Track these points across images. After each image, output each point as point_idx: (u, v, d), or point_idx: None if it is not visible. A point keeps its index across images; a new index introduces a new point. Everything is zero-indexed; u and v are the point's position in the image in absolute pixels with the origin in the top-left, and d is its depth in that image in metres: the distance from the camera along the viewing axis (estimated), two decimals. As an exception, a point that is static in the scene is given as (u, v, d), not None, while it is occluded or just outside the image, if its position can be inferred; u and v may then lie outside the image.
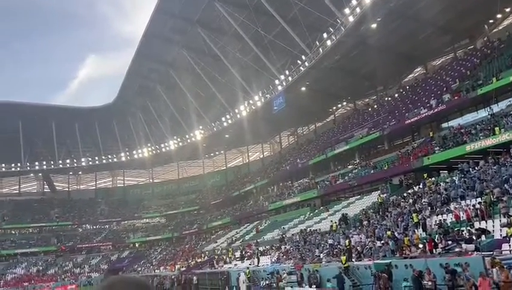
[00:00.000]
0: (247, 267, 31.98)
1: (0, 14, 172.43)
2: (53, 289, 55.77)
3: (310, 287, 23.36)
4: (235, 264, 38.28)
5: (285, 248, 34.88)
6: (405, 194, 30.02)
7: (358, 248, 25.16)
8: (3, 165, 75.85)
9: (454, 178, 26.79)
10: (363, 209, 33.90)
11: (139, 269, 60.79)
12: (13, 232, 75.66)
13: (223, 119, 62.17)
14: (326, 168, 50.24)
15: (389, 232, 23.92)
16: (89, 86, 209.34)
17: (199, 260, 48.84)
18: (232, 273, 33.04)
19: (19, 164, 75.75)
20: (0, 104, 68.84)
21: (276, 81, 49.38)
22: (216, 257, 45.30)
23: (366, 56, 42.13)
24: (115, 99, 72.10)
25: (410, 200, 27.63)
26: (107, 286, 1.04)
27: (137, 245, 76.23)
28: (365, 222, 29.44)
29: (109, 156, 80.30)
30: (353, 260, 23.58)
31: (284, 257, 32.57)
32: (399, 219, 25.59)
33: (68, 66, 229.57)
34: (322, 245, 29.85)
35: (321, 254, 28.06)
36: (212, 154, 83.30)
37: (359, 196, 39.50)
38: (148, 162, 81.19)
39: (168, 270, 51.24)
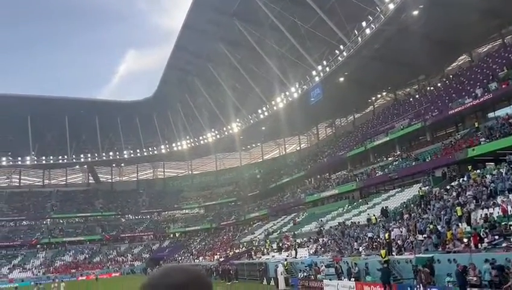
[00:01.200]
0: (285, 259, 32.05)
1: (48, 14, 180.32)
2: (97, 276, 58.12)
3: (349, 280, 23.14)
4: (273, 256, 38.48)
5: (323, 240, 34.65)
6: (448, 187, 28.99)
7: (398, 241, 24.63)
8: (51, 157, 79.77)
9: (501, 170, 25.57)
10: (404, 202, 33.09)
11: (179, 258, 62.34)
12: (61, 221, 79.52)
13: (260, 111, 62.27)
14: (366, 160, 49.34)
15: (431, 226, 23.22)
16: (129, 80, 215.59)
17: (237, 251, 49.48)
18: (270, 265, 33.25)
19: (65, 157, 79.52)
20: (48, 100, 72.33)
21: (313, 72, 48.81)
22: (254, 248, 45.71)
23: (408, 44, 40.74)
24: (155, 93, 73.76)
25: (454, 193, 26.65)
26: (163, 274, 1.02)
27: (177, 235, 78.17)
28: (406, 215, 28.72)
29: (150, 149, 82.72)
30: (393, 253, 23.11)
31: (322, 249, 32.40)
32: (442, 213, 24.77)
33: (109, 61, 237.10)
34: (361, 238, 29.43)
35: (360, 247, 27.68)
36: (248, 146, 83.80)
37: (400, 189, 38.55)
38: (187, 154, 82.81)
39: (207, 260, 52.27)
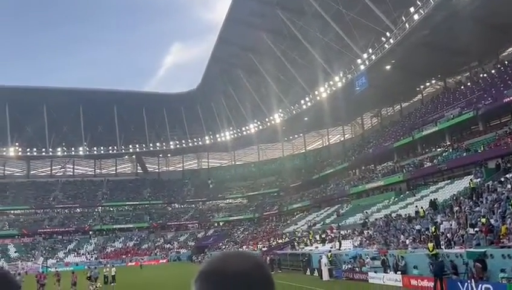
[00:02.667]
0: (329, 250, 31.84)
1: (98, 11, 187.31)
2: (141, 264, 60.34)
3: (396, 273, 22.65)
4: (316, 247, 38.30)
5: (368, 232, 34.06)
6: (502, 179, 27.52)
7: (448, 235, 23.75)
8: (102, 148, 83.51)
9: None
10: (454, 194, 31.78)
11: (223, 247, 63.51)
12: (111, 209, 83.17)
13: (302, 101, 61.75)
14: (413, 150, 47.82)
15: (483, 219, 22.19)
16: (175, 73, 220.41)
17: (280, 241, 49.69)
18: (314, 256, 33.15)
19: (115, 147, 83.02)
20: (99, 92, 75.58)
21: (359, 61, 47.68)
22: (296, 238, 45.72)
23: (459, 30, 38.72)
24: (199, 85, 75.01)
25: (509, 186, 25.27)
26: (221, 260, 0.98)
27: (221, 224, 79.62)
28: (456, 208, 27.59)
29: (194, 139, 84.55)
30: (442, 247, 22.33)
31: (367, 241, 31.87)
32: (495, 206, 23.59)
33: (156, 54, 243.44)
34: (408, 231, 28.65)
35: (407, 240, 26.97)
36: (291, 137, 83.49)
37: (449, 181, 37.07)
38: (230, 145, 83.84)
39: (250, 249, 52.90)
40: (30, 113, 71.46)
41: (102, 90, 76.92)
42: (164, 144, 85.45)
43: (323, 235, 40.51)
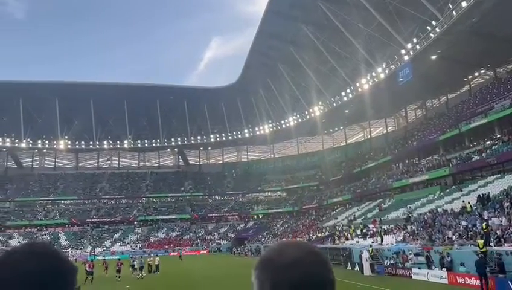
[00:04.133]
0: (370, 245, 31.30)
1: (141, 9, 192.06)
2: (181, 254, 61.72)
3: (441, 269, 21.94)
4: (357, 241, 37.77)
5: (412, 228, 33.14)
6: (559, 174, 25.92)
7: (497, 231, 22.70)
8: (145, 141, 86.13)
9: None
10: (504, 189, 30.27)
11: (263, 239, 63.92)
12: (154, 200, 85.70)
13: (343, 93, 60.68)
14: (460, 144, 45.91)
15: (538, 217, 21.04)
16: (214, 67, 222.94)
17: (320, 235, 49.38)
18: (354, 250, 32.71)
19: (158, 140, 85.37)
20: (142, 87, 77.76)
21: (402, 51, 46.15)
22: (337, 233, 45.24)
23: (510, 16, 36.64)
24: (239, 79, 75.41)
25: None
26: (277, 250, 1.01)
27: (260, 217, 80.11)
28: (506, 204, 26.31)
29: (234, 133, 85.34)
30: (491, 244, 21.38)
31: (411, 237, 31.02)
32: (551, 202, 22.28)
33: (196, 49, 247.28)
34: (454, 227, 27.63)
35: (453, 236, 26.02)
36: (331, 130, 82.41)
37: (499, 175, 35.34)
38: (269, 138, 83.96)
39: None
40: (78, 107, 74.65)
41: (145, 85, 79.14)
42: (205, 137, 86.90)
43: (365, 230, 39.85)
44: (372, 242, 34.00)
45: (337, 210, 62.08)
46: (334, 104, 64.03)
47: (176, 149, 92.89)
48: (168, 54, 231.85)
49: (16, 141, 78.57)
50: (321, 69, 60.69)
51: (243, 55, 73.30)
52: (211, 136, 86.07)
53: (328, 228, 51.66)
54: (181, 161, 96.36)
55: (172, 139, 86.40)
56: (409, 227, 33.83)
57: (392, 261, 27.35)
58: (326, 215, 62.59)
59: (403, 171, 53.58)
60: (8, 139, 77.93)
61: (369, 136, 78.94)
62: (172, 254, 64.92)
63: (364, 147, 76.87)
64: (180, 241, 73.17)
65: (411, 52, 44.77)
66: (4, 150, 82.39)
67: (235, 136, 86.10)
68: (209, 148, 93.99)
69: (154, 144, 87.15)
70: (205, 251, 68.92)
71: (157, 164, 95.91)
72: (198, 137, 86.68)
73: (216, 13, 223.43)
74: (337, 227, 49.13)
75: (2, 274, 0.99)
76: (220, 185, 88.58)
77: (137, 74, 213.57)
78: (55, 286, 1.01)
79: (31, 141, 79.79)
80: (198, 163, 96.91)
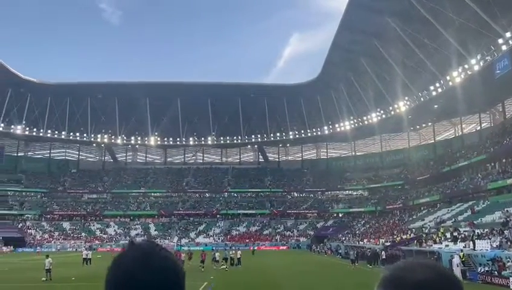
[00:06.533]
0: (461, 250, 29.22)
1: (221, 7, 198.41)
2: (254, 250, 62.58)
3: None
4: (446, 245, 35.46)
5: (510, 233, 30.27)
6: None
7: None
8: (227, 138, 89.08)
9: None
10: None
11: (343, 238, 62.73)
12: (235, 195, 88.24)
13: (432, 88, 57.16)
14: None
15: None
16: (293, 63, 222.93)
17: (405, 237, 47.15)
18: (444, 254, 30.81)
19: (239, 137, 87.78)
20: (224, 86, 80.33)
21: (500, 41, 42.27)
22: (424, 235, 42.86)
23: None
24: (319, 74, 74.49)
25: None
26: (406, 268, 0.94)
27: (340, 215, 78.66)
28: None
29: (313, 129, 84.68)
30: None
31: (509, 243, 28.38)
32: None
33: (275, 46, 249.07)
34: None
35: (561, 245, 23.33)
36: (418, 126, 78.13)
37: None
38: (350, 135, 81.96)
39: (372, 243, 51.29)
40: (167, 106, 79.34)
41: (227, 84, 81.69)
42: (284, 134, 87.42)
43: (455, 233, 37.24)
44: (464, 247, 31.69)
45: (423, 211, 58.83)
46: (422, 99, 60.59)
47: (255, 146, 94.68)
48: (249, 52, 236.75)
49: (112, 137, 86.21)
50: (407, 62, 57.72)
51: (323, 50, 72.23)
52: (290, 133, 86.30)
53: (413, 230, 49.15)
54: (261, 157, 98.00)
55: (253, 136, 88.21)
56: (506, 232, 30.97)
57: (486, 269, 25.32)
58: (412, 216, 59.57)
59: (499, 171, 49.15)
60: (105, 136, 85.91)
61: (460, 133, 73.37)
62: (251, 248, 66.33)
63: (454, 145, 71.65)
64: (260, 236, 74.52)
65: (510, 42, 40.80)
66: (102, 145, 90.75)
67: (314, 133, 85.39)
68: (288, 145, 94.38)
69: (235, 141, 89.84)
70: (284, 247, 69.43)
71: (238, 160, 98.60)
72: (278, 134, 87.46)
73: (296, 9, 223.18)
74: (423, 229, 46.56)
75: (116, 279, 1.01)
76: (299, 182, 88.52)
77: (219, 72, 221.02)
78: (163, 286, 1.01)
79: (125, 138, 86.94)
80: (277, 159, 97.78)
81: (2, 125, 76.48)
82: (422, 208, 60.81)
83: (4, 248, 62.79)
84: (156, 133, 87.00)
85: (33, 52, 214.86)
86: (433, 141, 77.91)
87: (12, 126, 78.24)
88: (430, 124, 76.42)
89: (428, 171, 68.38)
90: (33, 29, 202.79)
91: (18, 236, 68.84)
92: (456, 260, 26.35)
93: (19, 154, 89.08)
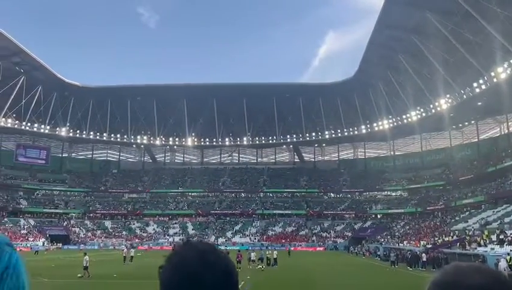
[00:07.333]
0: (508, 253, 27.87)
1: (257, 8, 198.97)
2: (290, 250, 62.03)
3: None
4: (492, 248, 33.99)
5: None
6: None
7: None
8: (262, 138, 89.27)
9: None
10: None
11: (382, 240, 61.34)
12: (271, 195, 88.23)
13: (475, 84, 54.84)
14: None
15: None
16: (329, 62, 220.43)
17: (447, 239, 45.54)
18: (489, 258, 29.55)
19: (274, 137, 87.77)
20: (259, 86, 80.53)
21: (550, 33, 39.95)
22: (468, 237, 41.22)
23: None
24: (356, 73, 73.15)
25: None
26: (458, 273, 0.89)
27: (379, 216, 76.96)
28: None
29: (350, 129, 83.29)
30: None
31: (562, 247, 26.80)
32: None
33: (310, 45, 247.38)
34: None
35: None
36: (460, 124, 75.16)
37: None
38: (388, 134, 79.98)
39: (412, 245, 49.87)
40: (203, 107, 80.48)
41: (262, 84, 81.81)
42: (319, 133, 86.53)
43: (501, 236, 35.63)
44: (511, 250, 30.21)
45: (467, 213, 56.56)
46: (464, 96, 58.27)
47: (291, 146, 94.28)
48: (283, 52, 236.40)
49: (151, 138, 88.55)
50: (448, 58, 55.64)
51: (359, 48, 71.06)
52: (326, 132, 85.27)
53: (456, 232, 47.38)
54: (296, 157, 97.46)
55: (288, 136, 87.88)
56: (559, 236, 29.28)
57: (537, 274, 23.96)
58: (454, 217, 57.42)
59: (550, 171, 46.48)
60: (145, 137, 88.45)
61: (506, 131, 69.89)
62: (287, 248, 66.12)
63: (500, 144, 68.39)
64: (296, 237, 74.10)
65: (563, 34, 38.49)
66: (142, 146, 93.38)
67: (351, 132, 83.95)
68: (324, 144, 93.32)
69: (270, 141, 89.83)
70: (321, 248, 68.69)
71: (273, 160, 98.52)
72: (313, 133, 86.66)
73: (331, 7, 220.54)
74: (467, 231, 44.78)
75: (178, 278, 0.99)
76: (336, 183, 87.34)
77: (254, 73, 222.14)
78: (225, 286, 1.01)
79: (163, 139, 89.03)
80: (313, 159, 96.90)
81: (48, 127, 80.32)
82: (465, 209, 58.51)
83: (50, 246, 65.58)
84: (193, 134, 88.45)
85: (74, 56, 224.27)
86: (476, 140, 74.64)
87: (58, 128, 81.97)
88: (473, 122, 73.33)
89: (471, 171, 65.74)
90: (74, 34, 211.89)
91: (63, 234, 71.91)
92: (503, 263, 25.17)
93: (63, 155, 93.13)
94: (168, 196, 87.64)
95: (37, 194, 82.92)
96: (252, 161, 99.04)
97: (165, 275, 1.01)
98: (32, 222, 73.48)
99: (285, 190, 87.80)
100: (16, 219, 72.33)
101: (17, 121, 76.52)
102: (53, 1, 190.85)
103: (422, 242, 48.56)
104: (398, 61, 64.06)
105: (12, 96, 70.98)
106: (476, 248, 36.48)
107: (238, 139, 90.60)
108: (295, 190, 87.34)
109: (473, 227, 46.18)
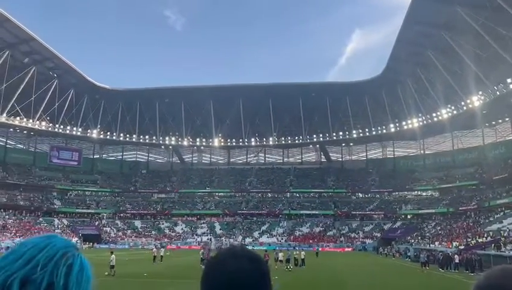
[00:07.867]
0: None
1: (282, 8, 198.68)
2: (318, 251, 61.46)
3: None
4: (529, 250, 32.70)
5: None
6: None
7: None
8: (289, 138, 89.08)
9: None
10: None
11: (412, 241, 60.04)
12: (298, 195, 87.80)
13: (509, 80, 53.01)
14: None
15: None
16: (356, 60, 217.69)
17: (480, 240, 44.15)
18: (526, 260, 28.40)
19: (300, 137, 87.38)
20: (285, 86, 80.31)
21: None
22: (503, 238, 39.85)
23: None
24: (384, 70, 71.85)
25: None
26: (501, 274, 0.85)
27: (409, 217, 75.36)
28: None
29: (378, 128, 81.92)
30: None
31: None
32: None
33: (337, 43, 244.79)
34: None
35: None
36: (494, 122, 72.74)
37: None
38: (418, 133, 78.24)
39: (443, 246, 48.61)
40: (229, 108, 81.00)
41: (288, 84, 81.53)
42: (347, 132, 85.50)
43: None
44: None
45: (501, 213, 54.65)
46: (498, 93, 56.37)
47: (317, 145, 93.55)
48: (310, 51, 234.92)
49: (179, 139, 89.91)
50: (480, 54, 53.92)
51: (387, 45, 69.81)
52: (353, 131, 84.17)
53: (490, 233, 45.89)
54: (323, 157, 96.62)
55: (314, 136, 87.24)
56: None
57: None
58: (488, 218, 55.59)
59: None
60: (173, 138, 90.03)
61: (543, 128, 67.26)
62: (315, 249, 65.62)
63: (537, 141, 65.83)
64: (324, 237, 73.46)
65: None
66: (170, 147, 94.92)
67: (379, 131, 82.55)
68: (351, 144, 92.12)
69: (297, 141, 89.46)
70: (349, 249, 67.84)
71: (300, 160, 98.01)
72: (340, 133, 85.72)
73: (357, 5, 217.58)
74: (502, 232, 43.30)
75: (212, 275, 1.07)
76: (364, 182, 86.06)
77: (280, 72, 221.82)
78: (258, 285, 1.07)
79: (191, 140, 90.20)
80: (340, 159, 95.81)
81: (80, 129, 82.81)
82: (499, 210, 56.54)
83: (83, 245, 67.40)
84: (220, 135, 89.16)
85: (102, 59, 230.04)
86: (511, 138, 72.04)
87: (89, 130, 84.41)
88: (507, 119, 70.77)
89: (506, 170, 63.47)
90: (102, 37, 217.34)
91: (95, 233, 73.83)
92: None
93: (94, 157, 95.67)
94: (195, 196, 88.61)
95: (70, 194, 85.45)
96: (278, 161, 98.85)
97: (207, 279, 1.08)
98: (65, 221, 75.79)
99: (312, 190, 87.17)
100: (50, 218, 74.75)
101: (50, 124, 79.26)
102: (81, 5, 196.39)
103: (454, 243, 47.27)
104: (427, 57, 62.61)
105: (46, 100, 73.61)
106: (511, 250, 35.22)
107: (264, 139, 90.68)
108: (322, 190, 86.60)
109: (508, 228, 44.60)
